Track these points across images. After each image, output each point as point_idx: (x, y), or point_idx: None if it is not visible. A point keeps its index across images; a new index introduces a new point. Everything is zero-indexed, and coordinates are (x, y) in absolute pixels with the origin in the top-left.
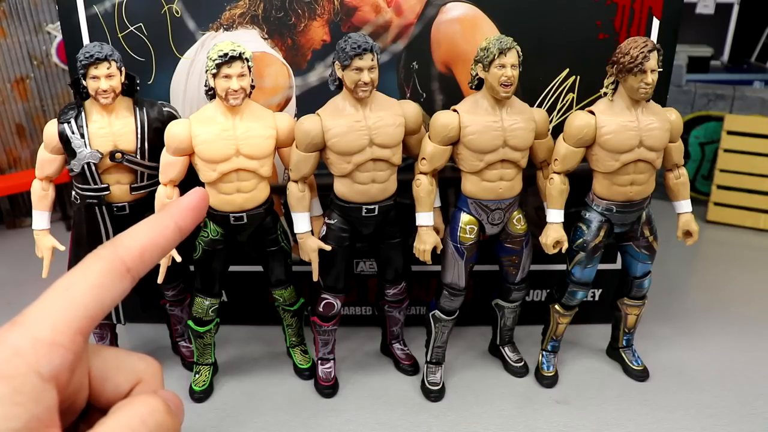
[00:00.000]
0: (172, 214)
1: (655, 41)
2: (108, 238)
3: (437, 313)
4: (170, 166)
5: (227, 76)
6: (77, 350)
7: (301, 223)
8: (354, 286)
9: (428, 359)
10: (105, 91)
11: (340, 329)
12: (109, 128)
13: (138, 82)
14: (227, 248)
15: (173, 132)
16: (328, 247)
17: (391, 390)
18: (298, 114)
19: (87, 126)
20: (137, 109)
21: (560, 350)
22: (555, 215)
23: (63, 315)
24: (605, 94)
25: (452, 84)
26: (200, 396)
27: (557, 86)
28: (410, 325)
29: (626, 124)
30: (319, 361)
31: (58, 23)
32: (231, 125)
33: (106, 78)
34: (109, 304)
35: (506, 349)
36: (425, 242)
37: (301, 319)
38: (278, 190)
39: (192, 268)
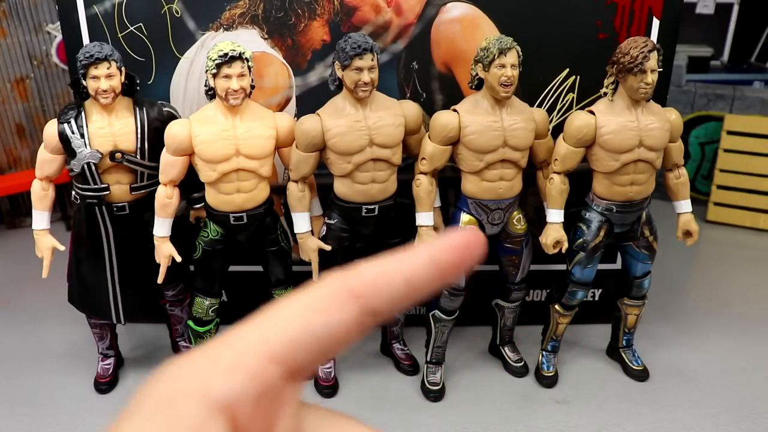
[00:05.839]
0: (429, 246)
1: (655, 41)
2: (108, 238)
3: (437, 313)
4: (170, 166)
5: (227, 76)
6: (266, 380)
7: (301, 223)
8: None
9: (428, 359)
10: (105, 91)
11: None
12: (109, 128)
13: (138, 82)
14: (227, 248)
15: (173, 132)
16: (328, 247)
17: (391, 390)
18: (298, 114)
19: (87, 126)
20: (137, 109)
21: (560, 350)
22: (555, 215)
23: (255, 334)
24: (605, 94)
25: (452, 84)
26: None
27: (557, 86)
28: (410, 325)
29: (626, 124)
30: None
31: (58, 23)
32: (231, 125)
33: (106, 78)
34: (321, 330)
35: (506, 349)
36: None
37: None
38: (278, 190)
39: (192, 268)
